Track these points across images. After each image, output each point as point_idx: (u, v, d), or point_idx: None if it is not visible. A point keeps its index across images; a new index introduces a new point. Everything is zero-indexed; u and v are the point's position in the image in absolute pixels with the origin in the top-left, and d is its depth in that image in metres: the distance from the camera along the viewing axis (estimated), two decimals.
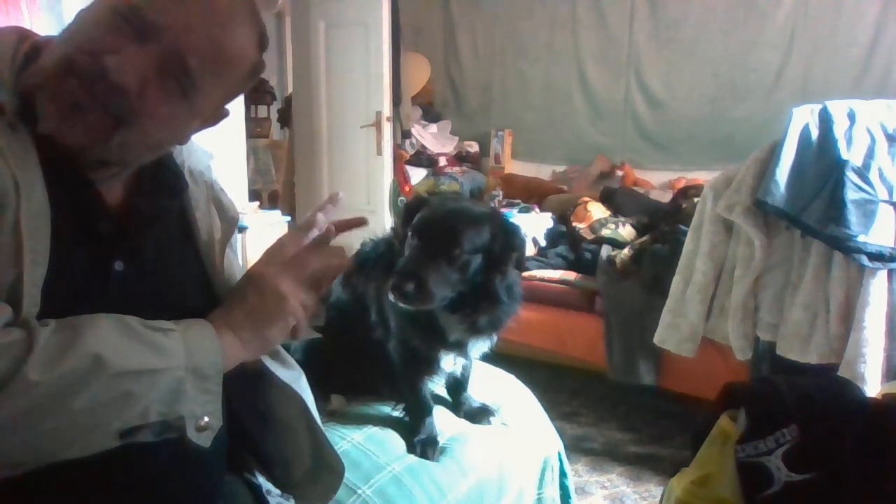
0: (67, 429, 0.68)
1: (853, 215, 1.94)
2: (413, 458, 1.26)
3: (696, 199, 2.69)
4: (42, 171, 0.73)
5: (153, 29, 0.75)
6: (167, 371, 0.72)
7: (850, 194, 1.95)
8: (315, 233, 0.89)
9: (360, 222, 0.96)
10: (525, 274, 3.00)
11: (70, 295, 0.74)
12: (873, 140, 2.03)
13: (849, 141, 2.03)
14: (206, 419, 0.77)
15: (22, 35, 0.81)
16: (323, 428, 1.02)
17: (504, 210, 3.45)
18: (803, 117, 2.10)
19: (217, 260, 0.95)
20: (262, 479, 1.06)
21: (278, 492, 1.06)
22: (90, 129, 0.75)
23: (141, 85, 0.75)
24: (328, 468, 1.01)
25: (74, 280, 0.76)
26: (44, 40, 0.82)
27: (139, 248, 0.83)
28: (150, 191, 0.86)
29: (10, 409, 0.65)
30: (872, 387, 1.93)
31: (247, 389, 0.95)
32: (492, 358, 1.44)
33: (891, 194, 2.00)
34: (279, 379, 0.96)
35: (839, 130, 2.04)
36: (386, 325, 1.33)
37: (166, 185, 0.89)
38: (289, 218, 3.78)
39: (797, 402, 1.17)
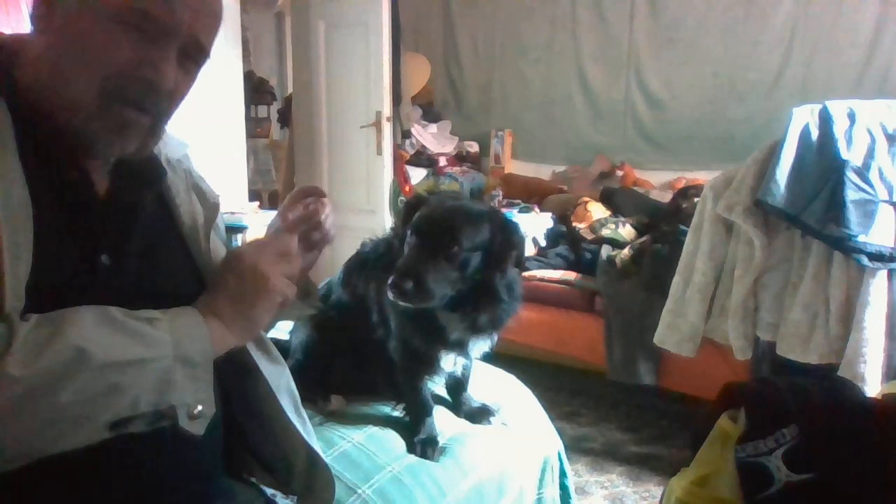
0: (55, 422, 0.68)
1: (853, 215, 1.94)
2: (413, 458, 1.26)
3: (696, 199, 2.69)
4: (24, 166, 0.73)
5: (167, 28, 0.77)
6: (154, 361, 0.72)
7: (850, 194, 1.95)
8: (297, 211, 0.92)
9: (318, 192, 0.99)
10: (525, 274, 3.00)
11: (56, 290, 0.74)
12: (873, 140, 2.03)
13: (849, 141, 2.03)
14: (200, 407, 0.77)
15: None
16: (307, 422, 1.02)
17: (504, 210, 3.44)
18: (803, 117, 2.10)
19: (202, 245, 0.95)
20: (265, 487, 1.05)
21: (283, 495, 1.06)
22: (142, 136, 0.81)
23: (175, 80, 0.79)
24: (321, 465, 1.01)
25: (60, 275, 0.76)
26: (9, 38, 0.83)
27: (124, 241, 0.84)
28: (132, 179, 0.87)
29: None
30: (872, 387, 1.93)
31: (237, 385, 0.95)
32: (492, 358, 1.44)
33: (891, 194, 2.00)
34: (263, 374, 0.96)
35: (839, 130, 2.04)
36: (386, 325, 1.33)
37: (146, 173, 0.89)
38: None
39: (797, 402, 1.17)
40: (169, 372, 0.73)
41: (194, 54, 0.82)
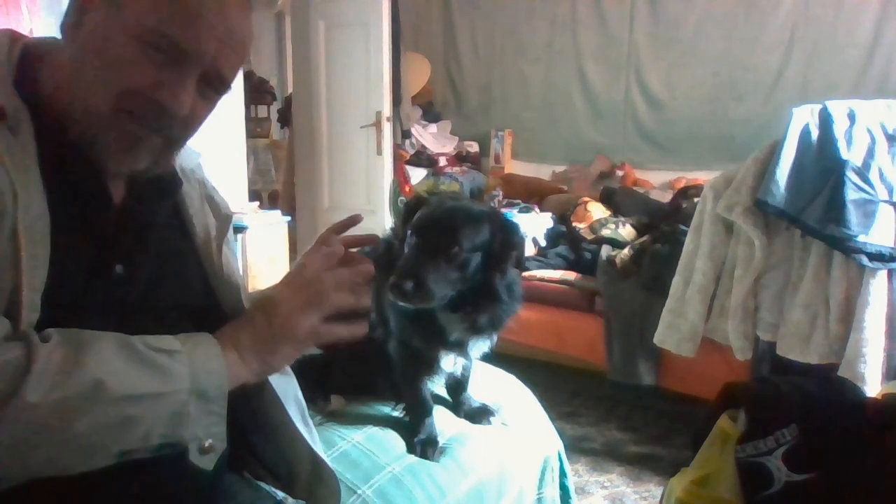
0: (66, 450, 0.68)
1: (853, 215, 1.94)
2: (413, 458, 1.25)
3: (696, 199, 2.69)
4: (42, 175, 0.73)
5: (190, 55, 0.77)
6: (170, 395, 0.72)
7: (850, 194, 1.95)
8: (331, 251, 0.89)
9: (354, 220, 0.99)
10: (525, 274, 3.00)
11: (71, 299, 0.74)
12: (873, 140, 2.03)
13: (849, 141, 2.03)
14: (210, 441, 0.76)
15: (12, 37, 0.82)
16: (313, 430, 1.02)
17: (504, 210, 3.44)
18: (803, 117, 2.10)
19: (214, 258, 0.95)
20: (276, 491, 1.05)
21: (291, 498, 1.05)
22: (152, 155, 0.80)
23: (191, 106, 0.79)
24: (328, 473, 1.01)
25: (75, 284, 0.75)
26: (34, 42, 0.83)
27: (139, 250, 0.83)
28: (148, 189, 0.86)
29: (6, 430, 0.64)
30: (872, 387, 1.93)
31: (244, 394, 0.94)
32: (492, 358, 1.44)
33: (891, 194, 2.00)
34: (269, 382, 0.96)
35: (839, 130, 2.04)
36: (386, 325, 1.33)
37: (163, 182, 0.89)
38: (289, 218, 3.78)
39: (797, 402, 1.17)
40: (184, 405, 0.73)
41: (215, 84, 0.81)
